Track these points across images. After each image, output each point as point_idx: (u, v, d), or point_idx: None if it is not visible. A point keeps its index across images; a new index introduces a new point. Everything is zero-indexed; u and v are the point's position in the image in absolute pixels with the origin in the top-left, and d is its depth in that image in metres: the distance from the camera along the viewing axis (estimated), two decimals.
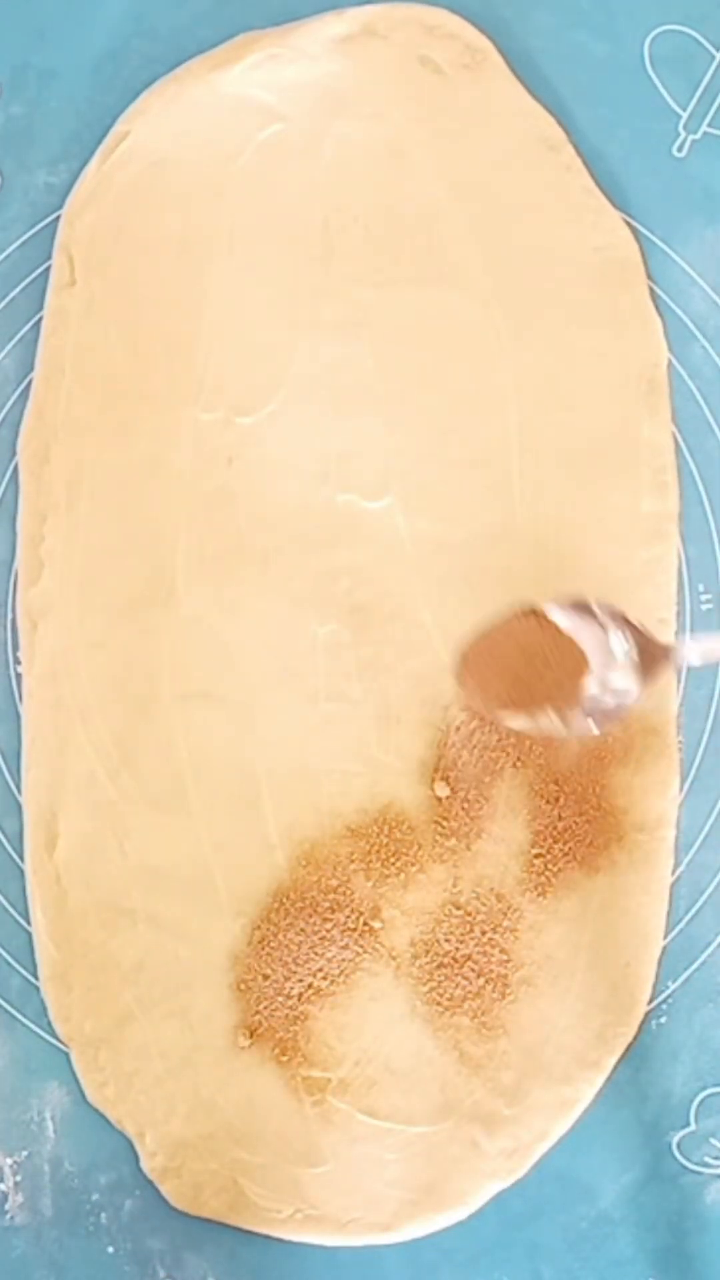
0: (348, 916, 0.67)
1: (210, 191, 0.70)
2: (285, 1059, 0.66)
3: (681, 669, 0.67)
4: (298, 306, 0.70)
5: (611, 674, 0.60)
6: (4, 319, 0.70)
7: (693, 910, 0.68)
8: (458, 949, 0.67)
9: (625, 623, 0.61)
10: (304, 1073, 0.66)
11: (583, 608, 0.61)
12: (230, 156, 0.70)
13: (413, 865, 0.67)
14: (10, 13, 0.72)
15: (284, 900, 0.67)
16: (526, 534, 0.69)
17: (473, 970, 0.67)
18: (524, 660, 0.61)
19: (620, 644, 0.60)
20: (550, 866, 0.67)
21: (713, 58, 0.72)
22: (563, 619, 0.61)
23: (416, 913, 0.67)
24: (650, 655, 0.61)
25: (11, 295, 0.70)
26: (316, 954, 0.66)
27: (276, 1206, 0.66)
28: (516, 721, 0.61)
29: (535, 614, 0.62)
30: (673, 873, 0.68)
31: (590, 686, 0.60)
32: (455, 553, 0.69)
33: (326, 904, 0.67)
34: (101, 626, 0.68)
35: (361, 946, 0.67)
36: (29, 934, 0.67)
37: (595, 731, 0.62)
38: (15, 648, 0.69)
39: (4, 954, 0.68)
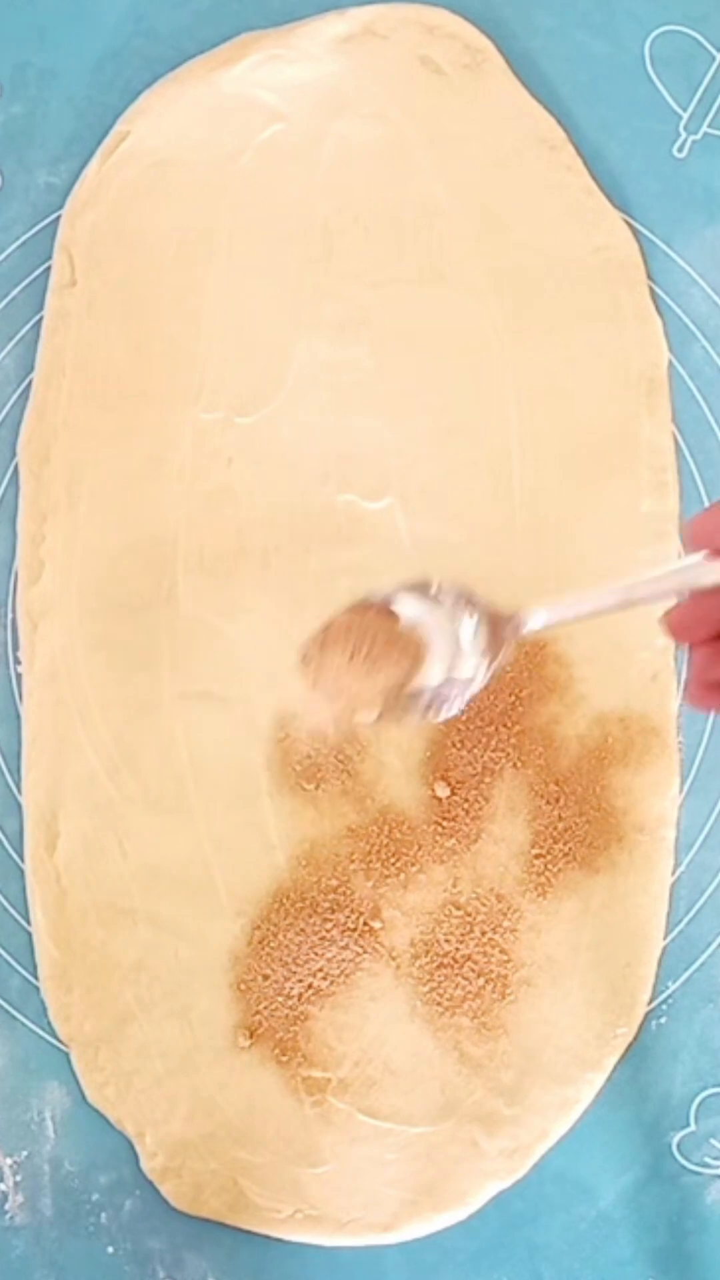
0: (348, 917, 0.67)
1: (211, 191, 0.70)
2: (285, 1059, 0.66)
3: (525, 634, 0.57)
4: (298, 306, 0.70)
5: (458, 663, 0.55)
6: (4, 319, 0.70)
7: (693, 910, 0.68)
8: (458, 949, 0.67)
9: (473, 604, 0.56)
10: (304, 1073, 0.66)
11: (427, 592, 0.56)
12: (231, 156, 0.70)
13: (413, 865, 0.67)
14: (11, 12, 0.72)
15: (284, 900, 0.67)
16: (526, 534, 0.69)
17: (473, 970, 0.67)
18: (362, 653, 0.56)
19: (468, 632, 0.55)
20: (550, 867, 0.67)
21: (713, 58, 0.72)
22: (407, 608, 0.56)
23: (416, 913, 0.67)
24: (499, 631, 0.56)
25: (12, 295, 0.70)
26: (316, 954, 0.66)
27: (276, 1206, 0.66)
28: (360, 717, 0.57)
29: (377, 606, 0.57)
30: (673, 873, 0.68)
31: (432, 677, 0.55)
32: (455, 553, 0.69)
33: (326, 904, 0.67)
34: (102, 626, 0.68)
35: (361, 947, 0.67)
36: (29, 934, 0.67)
37: (441, 718, 0.57)
38: (16, 647, 0.69)
39: (4, 954, 0.68)
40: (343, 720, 0.57)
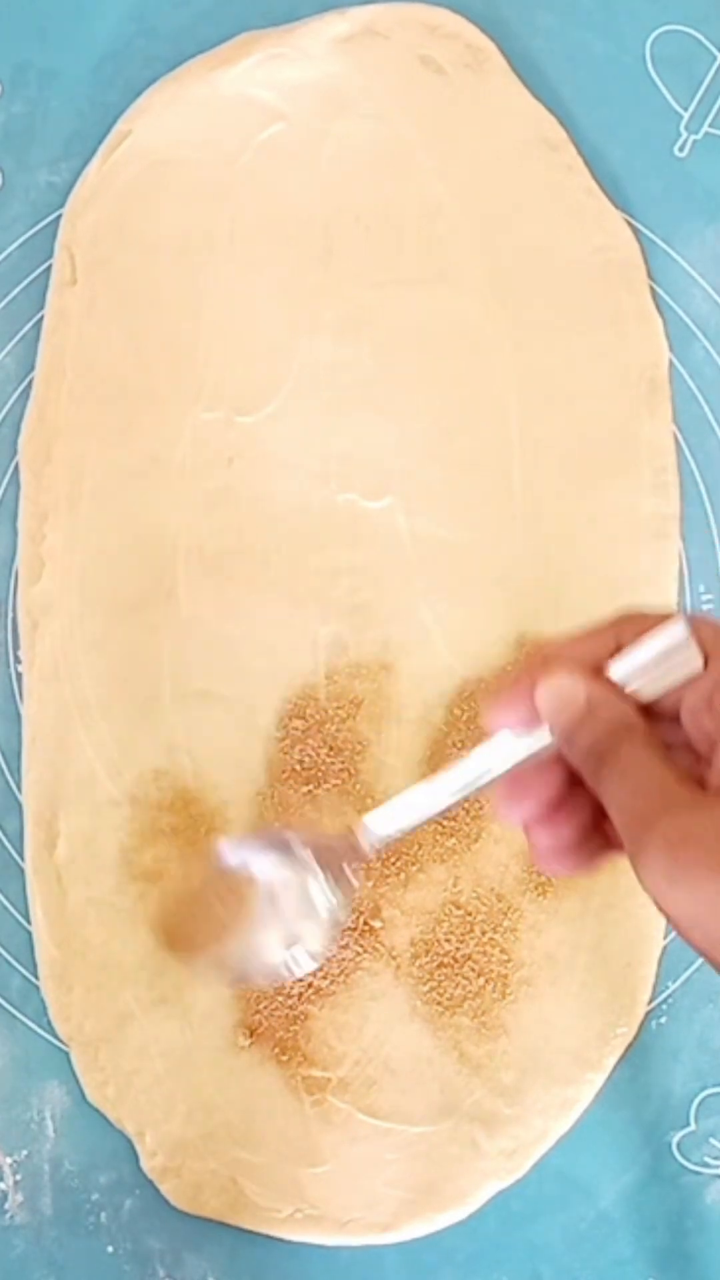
0: (348, 915, 0.67)
1: (211, 191, 0.70)
2: (285, 1058, 0.66)
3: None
4: (298, 306, 0.70)
5: (304, 925, 0.49)
6: (5, 318, 0.70)
7: None
8: (458, 949, 0.67)
9: (327, 854, 0.49)
10: (304, 1072, 0.66)
11: (278, 843, 0.50)
12: (231, 156, 0.70)
13: (413, 865, 0.67)
14: (12, 12, 0.72)
15: None
16: (527, 534, 0.69)
17: (473, 970, 0.67)
18: (215, 917, 0.51)
19: (321, 893, 0.49)
20: None
21: (714, 58, 0.72)
22: (251, 858, 0.50)
23: (417, 912, 0.67)
24: (338, 871, 0.49)
25: (13, 294, 0.70)
26: None
27: (276, 1206, 0.66)
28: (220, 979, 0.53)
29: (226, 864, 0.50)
30: None
31: (275, 947, 0.50)
32: (456, 553, 0.69)
33: None
34: (102, 625, 0.68)
35: (362, 946, 0.67)
36: (29, 933, 0.67)
37: (292, 978, 0.52)
38: (16, 647, 0.69)
39: (4, 953, 0.68)
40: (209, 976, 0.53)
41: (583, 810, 0.46)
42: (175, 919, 0.53)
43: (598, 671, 0.44)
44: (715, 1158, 0.67)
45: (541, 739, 0.45)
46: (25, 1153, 0.67)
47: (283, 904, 0.50)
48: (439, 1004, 0.66)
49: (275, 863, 0.50)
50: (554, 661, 0.45)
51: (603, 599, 0.68)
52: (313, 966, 0.50)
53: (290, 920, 0.49)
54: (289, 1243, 0.66)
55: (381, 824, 0.48)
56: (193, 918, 0.51)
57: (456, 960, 0.67)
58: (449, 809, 0.47)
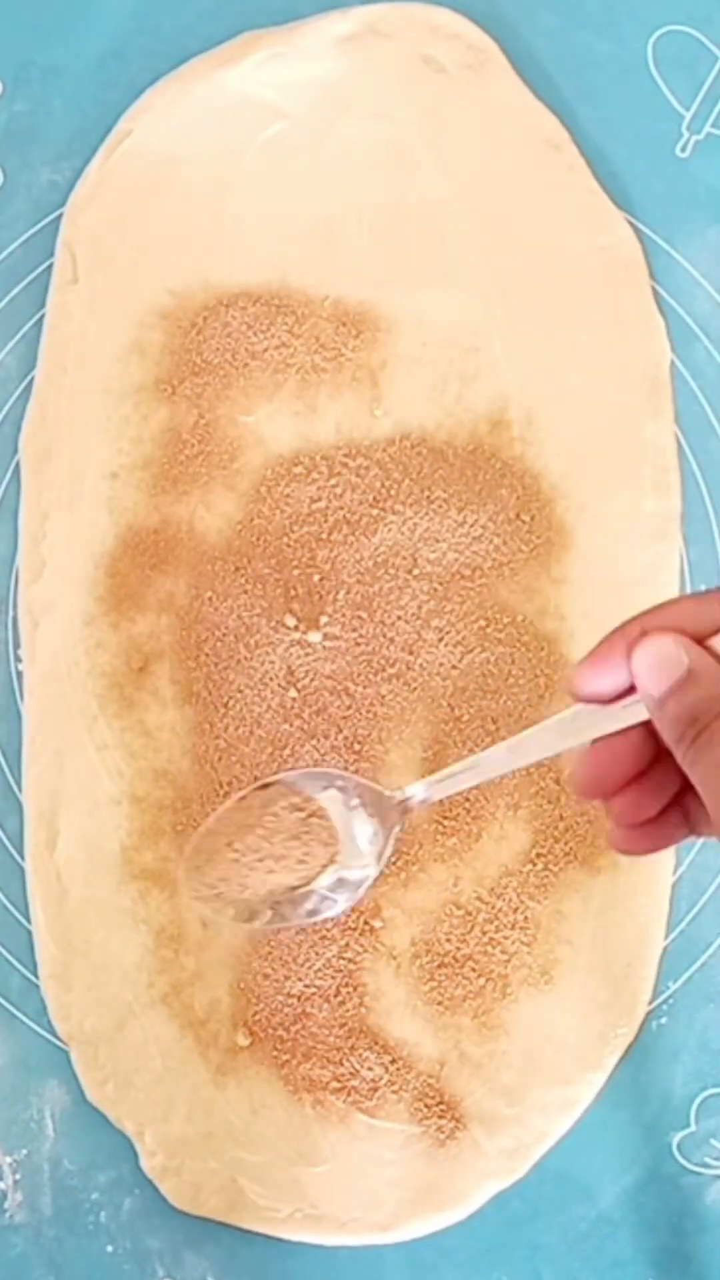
0: (348, 915, 0.67)
1: (213, 189, 0.70)
2: (285, 1058, 0.66)
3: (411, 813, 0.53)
4: (299, 305, 0.70)
5: (352, 862, 0.51)
6: (7, 316, 0.70)
7: (694, 911, 0.68)
8: (458, 949, 0.67)
9: (363, 796, 0.52)
10: (303, 1071, 0.66)
11: (333, 782, 0.52)
12: (233, 155, 0.70)
13: (414, 864, 0.67)
14: (14, 10, 0.72)
15: None
16: (530, 534, 0.69)
17: (473, 970, 0.67)
18: (263, 848, 0.52)
19: (365, 831, 0.51)
20: (551, 866, 0.67)
21: (716, 58, 0.72)
22: (327, 800, 0.52)
23: (417, 912, 0.67)
24: (387, 819, 0.51)
25: (14, 292, 0.70)
26: (317, 953, 0.66)
27: (276, 1206, 0.66)
28: (239, 919, 0.53)
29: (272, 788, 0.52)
30: (674, 873, 0.68)
31: (324, 879, 0.52)
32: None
33: None
34: (103, 624, 0.68)
35: (362, 946, 0.67)
36: (29, 932, 0.67)
37: (323, 919, 0.53)
38: (17, 645, 0.69)
39: (4, 952, 0.68)
40: (216, 918, 0.53)
41: (665, 788, 0.45)
42: (205, 838, 0.52)
43: (700, 642, 0.42)
44: (715, 1159, 0.67)
45: (622, 717, 0.44)
46: (25, 1152, 0.67)
47: (341, 840, 0.51)
48: (439, 1004, 0.66)
49: (328, 799, 0.51)
50: (653, 628, 0.43)
51: (604, 599, 0.68)
52: (344, 909, 0.51)
53: (331, 855, 0.51)
54: (289, 1242, 0.66)
55: (433, 788, 0.49)
56: (220, 837, 0.51)
57: (457, 960, 0.67)
58: (501, 773, 0.47)
